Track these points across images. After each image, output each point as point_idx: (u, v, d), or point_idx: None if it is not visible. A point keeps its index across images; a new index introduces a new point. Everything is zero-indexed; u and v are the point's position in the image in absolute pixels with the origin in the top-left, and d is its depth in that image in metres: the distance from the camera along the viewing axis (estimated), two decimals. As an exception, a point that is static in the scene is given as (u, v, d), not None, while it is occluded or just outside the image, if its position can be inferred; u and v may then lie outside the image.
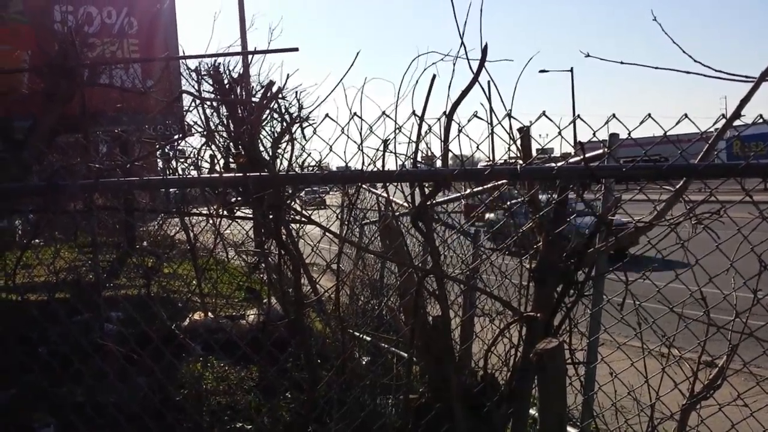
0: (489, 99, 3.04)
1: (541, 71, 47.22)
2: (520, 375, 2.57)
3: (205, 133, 3.76)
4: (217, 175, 2.74)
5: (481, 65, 2.72)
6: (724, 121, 3.04)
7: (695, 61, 3.31)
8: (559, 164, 2.63)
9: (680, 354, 2.94)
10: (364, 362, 5.06)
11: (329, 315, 5.25)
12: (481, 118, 2.60)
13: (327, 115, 2.62)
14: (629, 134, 2.58)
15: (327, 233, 2.91)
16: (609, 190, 3.14)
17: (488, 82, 3.05)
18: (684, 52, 3.24)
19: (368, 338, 4.95)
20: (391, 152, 2.71)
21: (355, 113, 2.69)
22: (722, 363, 3.01)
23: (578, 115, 2.61)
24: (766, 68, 3.14)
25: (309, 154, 3.61)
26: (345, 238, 3.14)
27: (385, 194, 3.33)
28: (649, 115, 2.52)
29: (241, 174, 2.77)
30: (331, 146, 2.79)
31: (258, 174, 2.70)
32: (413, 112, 2.68)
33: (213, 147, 3.93)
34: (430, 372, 2.85)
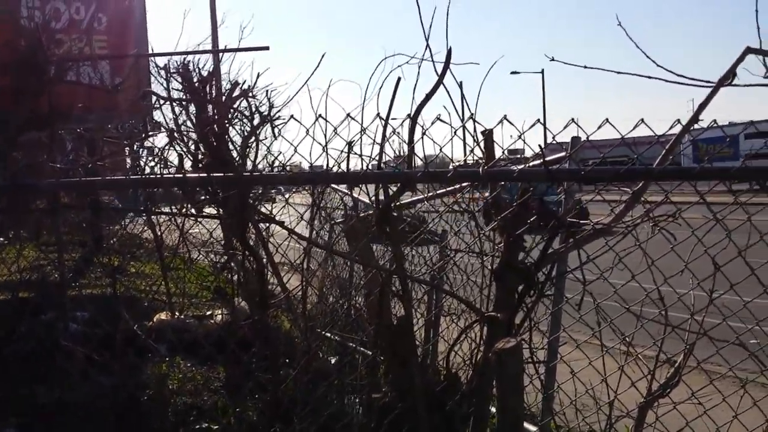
0: (454, 102, 3.08)
1: (513, 73, 47.83)
2: (480, 374, 2.62)
3: (170, 132, 3.74)
4: (182, 175, 2.73)
5: (445, 69, 2.75)
6: (681, 126, 3.12)
7: (658, 65, 3.38)
8: (520, 167, 2.68)
9: (636, 353, 3.00)
10: (332, 361, 5.07)
11: (297, 314, 5.25)
12: (445, 122, 2.64)
13: (292, 116, 2.63)
14: (588, 137, 2.64)
15: (292, 235, 2.92)
16: (570, 193, 3.20)
17: (459, 83, 3.09)
18: (647, 56, 3.31)
19: (336, 338, 4.96)
20: (355, 154, 2.73)
21: (319, 115, 2.71)
22: (679, 362, 3.09)
23: (538, 119, 2.67)
24: (723, 74, 3.22)
25: (277, 156, 3.62)
26: (311, 240, 3.15)
27: (352, 194, 3.36)
28: (607, 119, 2.58)
29: (205, 174, 2.77)
30: (296, 147, 2.80)
31: (222, 174, 2.71)
32: (377, 115, 2.70)
33: (181, 145, 3.91)
34: (394, 372, 2.88)
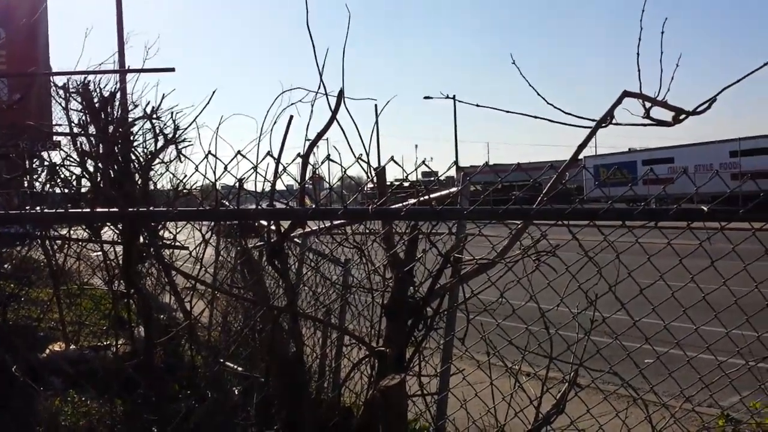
0: (348, 140, 3.14)
1: (426, 98, 49.40)
2: (369, 409, 2.66)
3: (51, 167, 3.61)
4: (63, 210, 2.64)
5: (337, 107, 2.81)
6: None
7: (548, 103, 3.57)
8: (408, 204, 2.77)
9: (520, 383, 3.13)
10: (236, 392, 4.99)
11: (200, 344, 5.15)
12: (334, 161, 2.70)
13: (180, 153, 2.61)
14: (476, 172, 2.75)
15: (179, 273, 2.88)
16: (461, 227, 3.32)
17: (354, 122, 3.14)
18: (538, 94, 3.49)
19: (239, 369, 4.89)
20: (246, 191, 2.73)
21: (209, 152, 2.70)
22: (564, 389, 3.24)
23: (419, 156, 2.76)
24: (601, 116, 3.44)
25: (181, 180, 3.56)
26: (196, 278, 3.12)
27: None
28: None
29: (88, 210, 2.70)
30: (184, 184, 2.78)
31: (106, 210, 2.65)
32: (268, 153, 2.72)
33: (69, 175, 3.78)
34: (286, 407, 2.88)
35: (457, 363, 3.46)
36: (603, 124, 3.44)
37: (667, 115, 3.30)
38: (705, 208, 2.44)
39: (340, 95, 2.84)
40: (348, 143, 3.09)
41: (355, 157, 3.09)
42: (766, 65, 2.94)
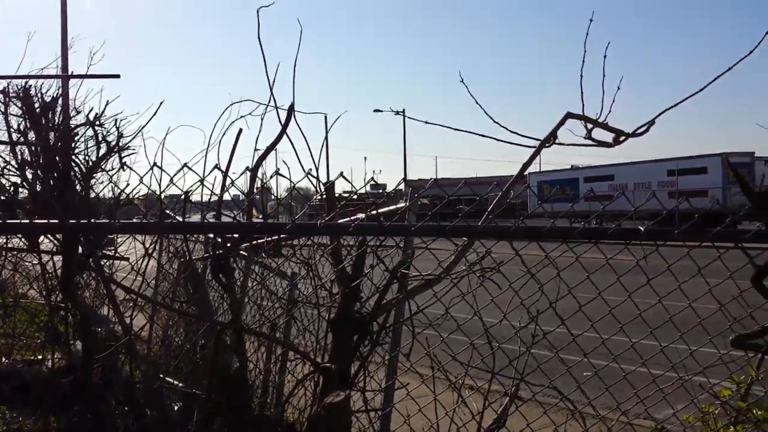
0: (298, 154, 3.14)
1: (376, 111, 49.92)
2: (310, 425, 2.65)
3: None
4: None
5: (287, 123, 2.82)
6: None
7: (494, 121, 3.65)
8: (357, 220, 2.78)
9: (462, 398, 3.17)
10: (175, 408, 4.87)
11: (140, 359, 5.01)
12: (283, 175, 2.69)
13: (123, 162, 2.56)
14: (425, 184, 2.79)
15: (120, 287, 2.81)
16: (408, 243, 3.35)
17: (304, 136, 3.15)
18: (486, 113, 3.56)
19: (179, 384, 4.78)
20: (192, 203, 2.70)
21: (155, 163, 2.65)
22: (504, 404, 3.30)
23: (369, 168, 2.78)
24: (545, 137, 3.53)
25: (123, 189, 3.48)
26: (138, 293, 3.05)
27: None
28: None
29: (27, 221, 2.61)
30: (127, 195, 2.72)
31: (45, 222, 2.57)
32: (216, 166, 2.70)
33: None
34: (228, 426, 2.84)
35: (403, 378, 3.47)
36: (547, 144, 3.54)
37: (608, 136, 3.42)
38: (642, 229, 2.54)
39: (291, 109, 2.84)
40: (297, 157, 3.10)
41: (304, 171, 3.10)
42: (697, 93, 3.10)
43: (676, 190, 38.31)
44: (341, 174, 2.82)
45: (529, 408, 3.32)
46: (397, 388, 3.25)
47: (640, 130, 3.31)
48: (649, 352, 3.05)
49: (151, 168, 2.64)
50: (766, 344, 2.37)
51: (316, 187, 3.09)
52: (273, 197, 3.03)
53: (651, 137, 3.38)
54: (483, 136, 3.63)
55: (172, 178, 2.65)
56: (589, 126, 3.37)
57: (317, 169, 3.09)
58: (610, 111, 3.30)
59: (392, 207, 3.17)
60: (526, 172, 3.90)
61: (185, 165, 2.65)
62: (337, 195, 3.85)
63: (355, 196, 3.70)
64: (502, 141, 3.56)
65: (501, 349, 3.13)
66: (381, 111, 52.61)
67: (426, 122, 3.74)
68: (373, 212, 3.02)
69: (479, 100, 3.54)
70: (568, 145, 3.59)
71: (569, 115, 3.48)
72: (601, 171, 42.88)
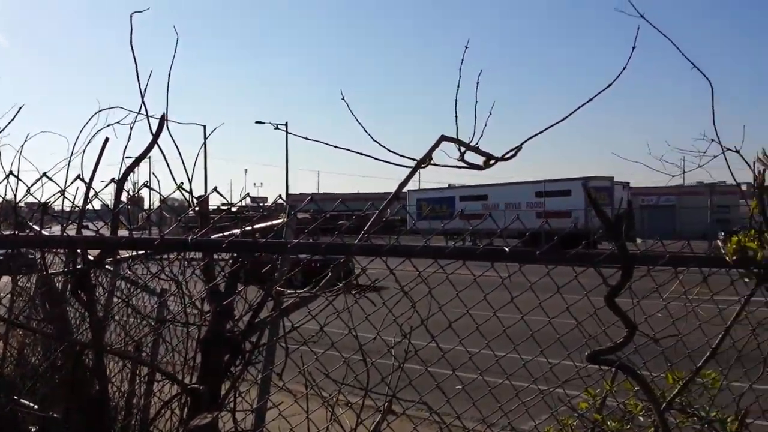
0: (170, 166, 3.03)
1: (257, 122, 49.52)
2: (178, 450, 2.54)
3: None
4: None
5: (159, 132, 2.71)
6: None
7: (374, 140, 3.70)
8: (230, 234, 2.72)
9: (336, 407, 3.17)
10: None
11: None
12: (153, 189, 2.58)
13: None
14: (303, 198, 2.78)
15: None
16: (285, 261, 3.31)
17: (177, 148, 3.04)
18: (366, 131, 3.60)
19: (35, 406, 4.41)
20: (52, 214, 2.52)
21: (11, 172, 2.46)
22: (377, 420, 3.33)
23: (249, 180, 2.74)
24: (421, 158, 3.63)
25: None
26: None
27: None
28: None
29: None
30: None
31: None
32: (78, 176, 2.54)
33: None
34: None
35: (277, 396, 3.41)
36: (422, 165, 3.64)
37: (480, 159, 3.58)
38: (506, 249, 2.67)
39: (163, 119, 2.74)
40: (169, 169, 2.98)
41: (176, 183, 2.99)
42: (559, 123, 3.32)
43: (543, 210, 40.78)
44: (215, 189, 2.75)
45: (402, 423, 3.37)
46: (269, 407, 3.19)
47: (508, 155, 3.48)
48: (514, 366, 3.21)
49: (7, 177, 2.45)
50: (618, 359, 2.54)
51: (188, 201, 2.99)
52: (143, 210, 2.89)
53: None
54: (361, 154, 3.68)
55: (29, 188, 2.46)
56: (462, 149, 3.50)
57: (191, 182, 3.00)
58: (482, 135, 3.44)
59: (269, 222, 3.13)
60: (405, 190, 3.98)
61: (44, 174, 2.48)
62: (216, 208, 3.75)
63: (234, 209, 3.62)
64: (379, 160, 3.63)
65: (374, 366, 3.16)
66: (263, 123, 52.05)
67: (306, 138, 3.74)
68: (249, 228, 2.97)
69: (363, 117, 3.58)
70: (442, 166, 3.72)
71: (443, 138, 3.60)
72: (476, 191, 44.88)
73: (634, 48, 2.83)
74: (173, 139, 2.98)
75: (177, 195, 3.05)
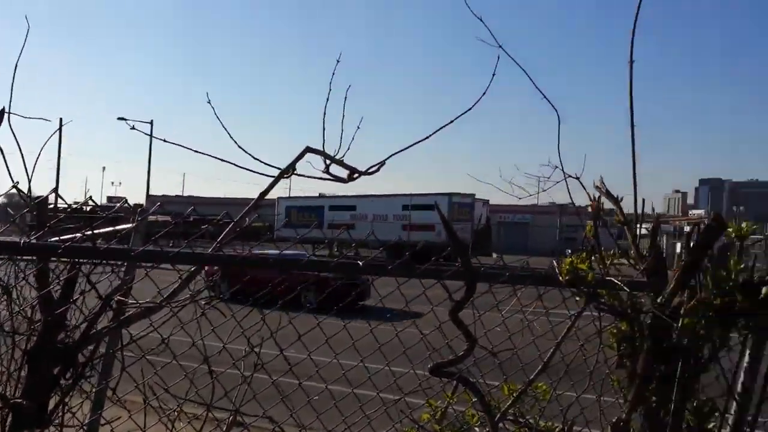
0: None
1: (120, 119, 47.56)
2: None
3: None
4: None
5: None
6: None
7: (239, 147, 3.61)
8: (67, 239, 2.55)
9: (178, 421, 3.06)
10: None
11: None
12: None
13: None
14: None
15: None
16: (130, 268, 3.15)
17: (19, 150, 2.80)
18: (230, 137, 3.50)
19: None
20: None
21: None
22: (225, 426, 3.24)
23: (107, 179, 2.58)
24: (284, 168, 3.59)
25: None
26: None
27: None
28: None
29: None
30: None
31: None
32: None
33: None
34: None
35: (115, 410, 3.23)
36: (285, 175, 3.61)
37: (344, 172, 3.62)
38: (360, 264, 2.72)
39: (1, 113, 2.53)
40: (6, 166, 2.75)
41: (12, 182, 2.76)
42: (424, 140, 3.41)
43: (408, 223, 41.95)
44: (54, 189, 2.57)
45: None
46: (102, 423, 3.01)
47: (372, 169, 3.54)
48: (362, 377, 3.26)
49: None
50: (459, 372, 2.66)
51: (26, 201, 2.77)
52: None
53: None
54: (222, 160, 3.59)
55: None
56: (327, 162, 3.52)
57: (30, 180, 2.79)
58: (349, 148, 3.47)
59: (110, 228, 2.96)
60: (275, 197, 3.93)
61: None
62: (65, 207, 3.48)
63: (87, 209, 3.40)
64: (241, 167, 3.56)
65: (223, 377, 3.09)
66: (125, 120, 49.40)
67: (164, 140, 3.59)
68: (91, 232, 2.79)
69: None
70: (307, 177, 3.71)
71: (308, 150, 3.59)
72: (345, 201, 45.27)
73: (494, 75, 2.98)
74: (14, 135, 2.76)
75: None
